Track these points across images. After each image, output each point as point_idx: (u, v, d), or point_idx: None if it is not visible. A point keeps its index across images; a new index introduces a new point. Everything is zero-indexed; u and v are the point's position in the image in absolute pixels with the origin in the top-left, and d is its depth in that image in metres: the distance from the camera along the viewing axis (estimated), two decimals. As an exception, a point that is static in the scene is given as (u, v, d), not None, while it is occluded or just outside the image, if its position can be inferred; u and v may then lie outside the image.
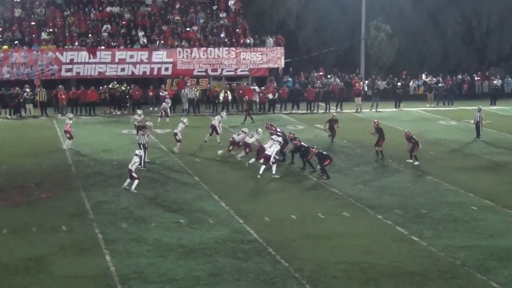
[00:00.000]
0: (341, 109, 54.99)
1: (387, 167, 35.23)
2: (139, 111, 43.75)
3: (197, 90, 54.34)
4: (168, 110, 48.90)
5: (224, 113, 43.61)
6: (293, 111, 54.71)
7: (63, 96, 51.74)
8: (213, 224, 25.68)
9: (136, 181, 30.29)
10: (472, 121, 42.27)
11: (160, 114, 48.15)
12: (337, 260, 22.17)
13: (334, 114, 44.62)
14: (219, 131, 40.06)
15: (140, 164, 32.03)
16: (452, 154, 39.44)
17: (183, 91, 54.18)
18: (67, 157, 37.50)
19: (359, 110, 53.84)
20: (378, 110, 55.27)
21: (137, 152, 31.97)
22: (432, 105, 58.36)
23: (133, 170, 30.43)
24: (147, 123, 38.67)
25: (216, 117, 41.20)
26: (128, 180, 30.51)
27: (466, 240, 24.28)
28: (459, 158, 37.99)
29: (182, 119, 39.69)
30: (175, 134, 38.08)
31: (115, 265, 21.93)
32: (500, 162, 36.91)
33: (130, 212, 27.25)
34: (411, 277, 21.03)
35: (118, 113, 52.54)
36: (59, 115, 51.11)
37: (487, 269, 21.64)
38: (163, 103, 49.18)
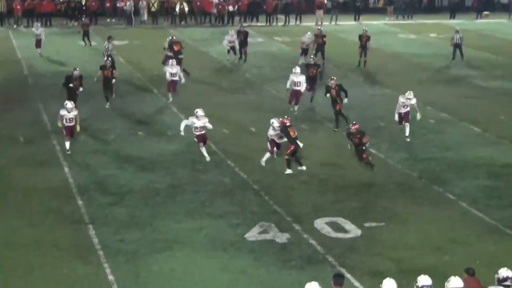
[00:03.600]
0: (300, 22, 54.65)
1: (346, 79, 35.27)
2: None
3: (154, 2, 53.44)
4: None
5: None
6: (252, 24, 54.18)
7: (18, 7, 50.73)
8: (172, 136, 25.59)
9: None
10: (450, 43, 41.66)
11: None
12: (295, 172, 22.34)
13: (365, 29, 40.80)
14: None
15: None
16: (411, 67, 39.55)
17: (140, 2, 53.24)
18: (24, 68, 36.96)
19: (319, 23, 53.45)
20: (337, 23, 54.99)
21: None
22: (392, 19, 58.19)
23: None
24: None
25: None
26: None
27: (423, 152, 24.59)
28: (418, 72, 38.10)
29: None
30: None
31: (73, 177, 21.94)
32: (458, 76, 37.17)
33: (88, 124, 27.05)
34: (368, 188, 21.32)
35: (75, 24, 51.53)
36: (15, 26, 50.29)
37: (443, 181, 22.00)
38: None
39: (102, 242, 17.51)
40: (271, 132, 22.46)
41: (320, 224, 18.84)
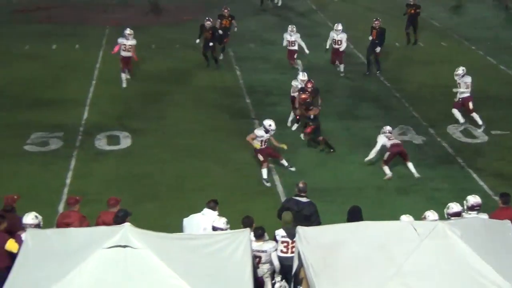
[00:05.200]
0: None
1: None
2: None
3: None
4: None
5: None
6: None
7: None
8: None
9: None
10: None
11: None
12: (435, 83, 21.82)
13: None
14: None
15: None
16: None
17: None
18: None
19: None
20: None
21: None
22: None
23: None
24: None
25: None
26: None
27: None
28: None
29: None
30: None
31: (243, 79, 22.27)
32: None
33: (257, 35, 27.24)
34: (493, 100, 20.57)
35: None
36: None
37: None
38: None
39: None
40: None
41: (452, 129, 18.46)
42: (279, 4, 32.79)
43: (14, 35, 26.59)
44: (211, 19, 22.86)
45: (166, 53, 24.74)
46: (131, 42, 20.88)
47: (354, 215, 10.99)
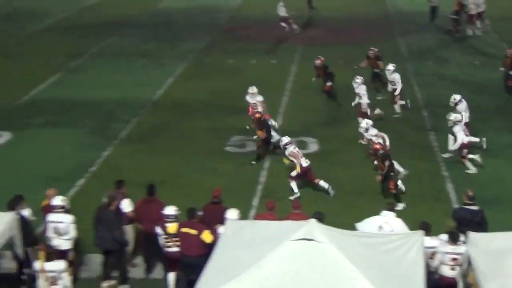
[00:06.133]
0: None
1: None
2: None
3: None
4: None
5: None
6: None
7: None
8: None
9: None
10: None
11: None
12: None
13: None
14: None
15: None
16: None
17: None
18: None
19: None
20: None
21: None
22: None
23: None
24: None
25: None
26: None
27: None
28: None
29: None
30: None
31: (421, 94, 21.84)
32: None
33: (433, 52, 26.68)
34: None
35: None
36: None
37: None
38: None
39: (440, 146, 17.40)
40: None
41: None
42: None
43: (221, 51, 27.91)
44: (374, 49, 21.59)
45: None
46: (258, 98, 18.48)
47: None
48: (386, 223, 10.89)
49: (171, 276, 11.58)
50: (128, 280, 11.91)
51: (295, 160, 15.03)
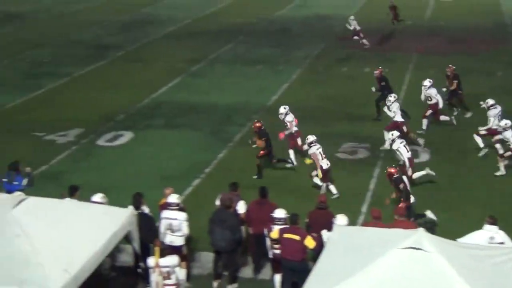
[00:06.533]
0: None
1: None
2: None
3: None
4: None
5: None
6: None
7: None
8: None
9: None
10: None
11: None
12: None
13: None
14: None
15: None
16: None
17: None
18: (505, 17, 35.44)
19: None
20: None
21: None
22: None
23: None
24: None
25: None
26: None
27: None
28: None
29: None
30: None
31: None
32: None
33: None
34: None
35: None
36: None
37: None
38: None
39: None
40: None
41: None
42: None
43: (335, 58, 27.93)
44: (451, 67, 20.62)
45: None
46: (287, 118, 17.42)
47: None
48: (497, 233, 10.54)
49: (277, 278, 11.77)
50: (237, 279, 12.20)
51: (316, 161, 15.14)
